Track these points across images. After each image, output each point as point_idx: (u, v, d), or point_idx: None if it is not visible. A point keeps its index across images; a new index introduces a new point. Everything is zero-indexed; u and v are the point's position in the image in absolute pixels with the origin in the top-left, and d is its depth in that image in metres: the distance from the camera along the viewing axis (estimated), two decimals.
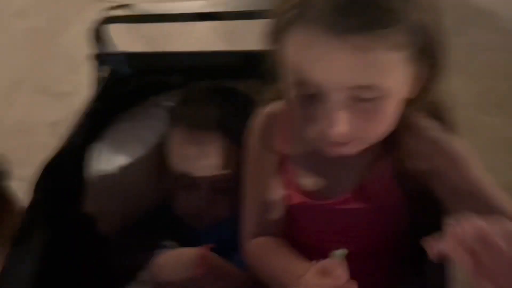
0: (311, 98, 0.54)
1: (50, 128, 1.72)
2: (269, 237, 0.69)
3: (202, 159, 0.80)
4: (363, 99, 0.52)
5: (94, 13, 0.91)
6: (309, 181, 0.68)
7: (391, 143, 0.62)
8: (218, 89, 0.86)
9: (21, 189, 1.18)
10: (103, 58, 0.92)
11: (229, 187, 0.81)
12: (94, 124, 0.84)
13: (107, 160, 0.84)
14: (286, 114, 0.70)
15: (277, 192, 0.70)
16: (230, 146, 0.80)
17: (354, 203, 0.64)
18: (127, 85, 0.95)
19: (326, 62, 0.50)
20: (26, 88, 1.90)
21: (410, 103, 0.58)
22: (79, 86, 1.78)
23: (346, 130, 0.53)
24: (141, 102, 0.93)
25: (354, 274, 0.52)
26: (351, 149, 0.58)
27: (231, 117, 0.81)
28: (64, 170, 0.76)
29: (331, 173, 0.67)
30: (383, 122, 0.56)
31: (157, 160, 0.87)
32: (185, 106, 0.83)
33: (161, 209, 0.88)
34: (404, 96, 0.56)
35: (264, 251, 0.68)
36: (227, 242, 0.76)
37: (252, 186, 0.72)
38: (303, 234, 0.70)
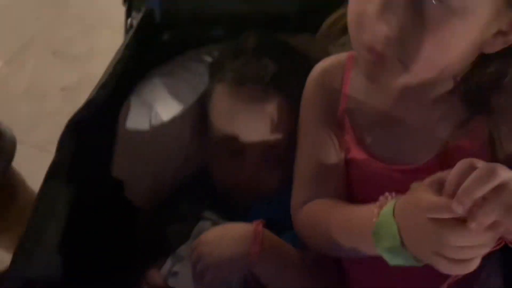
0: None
1: (62, 92, 1.64)
2: (324, 199, 0.59)
3: (252, 120, 0.68)
4: (427, 3, 0.44)
5: None
6: (378, 142, 0.58)
7: (482, 104, 0.53)
8: (270, 42, 0.74)
9: (32, 155, 1.09)
10: (134, 3, 0.80)
11: (282, 156, 0.69)
12: (125, 76, 0.72)
13: (139, 119, 0.72)
14: (351, 61, 0.60)
15: (336, 153, 0.60)
16: (286, 106, 0.69)
17: (437, 170, 0.54)
18: (161, 36, 0.83)
19: None
20: (36, 50, 1.82)
21: (500, 55, 0.49)
22: (92, 50, 1.72)
23: (395, 32, 0.45)
24: (178, 56, 0.81)
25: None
26: (391, 69, 0.49)
27: (287, 73, 0.69)
28: (90, 126, 0.64)
29: (408, 133, 0.57)
30: (439, 46, 0.46)
31: (196, 120, 0.76)
32: (232, 58, 0.72)
33: (200, 179, 0.77)
34: (484, 36, 0.47)
35: (320, 211, 0.58)
36: (277, 221, 0.65)
37: (306, 147, 0.62)
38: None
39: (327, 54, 0.66)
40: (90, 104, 0.64)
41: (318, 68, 0.63)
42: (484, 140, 0.54)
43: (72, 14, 1.92)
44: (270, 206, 0.71)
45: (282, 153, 0.69)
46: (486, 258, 0.58)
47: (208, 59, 0.79)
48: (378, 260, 0.58)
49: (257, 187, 0.71)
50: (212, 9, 0.81)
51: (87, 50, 1.75)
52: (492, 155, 0.54)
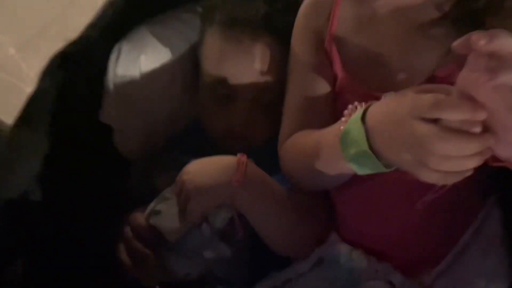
0: None
1: None
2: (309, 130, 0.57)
3: (242, 62, 0.66)
4: None
5: None
6: (366, 70, 0.55)
7: (474, 28, 0.49)
8: None
9: None
10: None
11: (274, 101, 0.66)
12: (116, 20, 0.71)
13: (129, 64, 0.71)
14: None
15: (324, 85, 0.58)
16: (278, 48, 0.66)
17: None
18: None
19: None
20: (50, 36, 1.84)
21: None
22: None
23: None
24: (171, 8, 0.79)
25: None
26: None
27: (279, 14, 0.67)
28: (77, 63, 0.63)
29: (396, 61, 0.54)
30: None
31: (188, 70, 0.74)
32: (222, 1, 0.70)
33: (192, 131, 0.74)
34: None
35: (299, 138, 0.56)
36: (268, 167, 0.62)
37: (295, 79, 0.61)
38: None
39: None
40: (78, 42, 0.63)
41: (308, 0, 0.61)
42: None
43: (86, 3, 1.94)
44: (261, 154, 0.68)
45: (274, 98, 0.66)
46: (480, 201, 0.56)
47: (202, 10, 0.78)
48: (367, 201, 0.56)
49: (249, 134, 0.68)
50: None
51: None
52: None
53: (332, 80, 0.58)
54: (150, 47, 0.72)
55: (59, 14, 1.91)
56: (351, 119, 0.43)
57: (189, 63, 0.74)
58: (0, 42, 1.83)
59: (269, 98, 0.68)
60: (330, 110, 0.58)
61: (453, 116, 0.36)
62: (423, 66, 0.52)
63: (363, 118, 0.42)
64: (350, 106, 0.45)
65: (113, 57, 0.71)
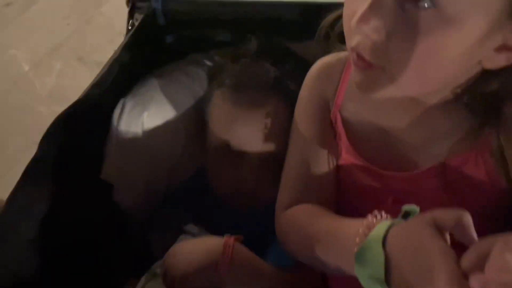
0: None
1: None
2: (310, 204, 0.55)
3: (251, 127, 0.65)
4: (414, 5, 0.39)
5: None
6: (371, 146, 0.54)
7: (490, 114, 0.48)
8: (271, 46, 0.71)
9: None
10: (136, 4, 0.79)
11: (282, 164, 0.64)
12: (121, 76, 0.70)
13: (132, 120, 0.70)
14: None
15: (327, 156, 0.56)
16: (287, 112, 0.65)
17: (433, 181, 0.49)
18: (165, 39, 0.81)
19: None
20: (63, 55, 1.85)
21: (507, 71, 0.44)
22: None
23: (382, 38, 0.40)
24: (178, 59, 0.79)
25: None
26: (378, 80, 0.44)
27: (289, 77, 0.66)
28: (80, 124, 0.63)
29: (404, 140, 0.52)
30: (430, 57, 0.41)
31: (192, 126, 0.73)
32: (231, 61, 0.69)
33: (193, 186, 0.74)
34: (488, 51, 0.42)
35: (304, 217, 0.54)
36: (269, 232, 0.61)
37: (296, 146, 0.59)
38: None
39: None
40: (81, 102, 0.63)
41: (316, 65, 0.60)
42: (493, 158, 0.49)
43: (101, 22, 1.95)
44: (266, 214, 0.67)
45: (282, 161, 0.65)
46: None
47: (209, 63, 0.77)
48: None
49: (258, 191, 0.68)
50: (218, 13, 0.79)
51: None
52: (503, 178, 0.49)
53: (336, 152, 0.56)
54: (154, 103, 0.72)
55: (74, 32, 1.92)
56: (373, 238, 0.40)
57: (193, 119, 0.73)
58: (15, 57, 1.86)
59: (278, 161, 0.66)
60: (332, 182, 0.56)
61: None
62: (434, 151, 0.50)
63: (384, 240, 0.39)
64: (369, 216, 0.42)
65: (116, 112, 0.71)
